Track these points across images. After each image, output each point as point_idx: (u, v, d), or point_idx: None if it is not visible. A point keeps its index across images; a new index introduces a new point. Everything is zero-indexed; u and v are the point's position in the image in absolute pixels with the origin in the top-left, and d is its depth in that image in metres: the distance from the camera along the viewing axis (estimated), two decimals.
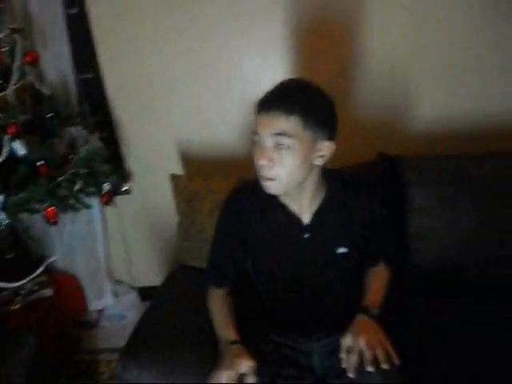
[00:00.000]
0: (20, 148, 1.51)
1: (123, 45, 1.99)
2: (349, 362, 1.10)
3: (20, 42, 1.57)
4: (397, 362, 1.10)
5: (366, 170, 1.68)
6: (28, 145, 1.54)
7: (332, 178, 1.28)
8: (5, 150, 1.45)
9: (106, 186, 1.74)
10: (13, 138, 1.47)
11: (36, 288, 1.88)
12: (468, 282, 1.59)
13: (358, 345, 1.10)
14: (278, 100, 1.12)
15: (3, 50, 1.55)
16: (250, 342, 1.21)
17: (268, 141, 1.13)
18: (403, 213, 1.64)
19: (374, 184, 1.34)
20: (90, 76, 2.06)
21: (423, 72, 1.91)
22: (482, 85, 1.90)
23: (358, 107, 1.98)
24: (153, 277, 2.25)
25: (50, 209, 1.54)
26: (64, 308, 2.04)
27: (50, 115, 1.72)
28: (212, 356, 1.17)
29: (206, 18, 1.91)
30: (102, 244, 2.25)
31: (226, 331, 1.24)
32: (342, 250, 1.27)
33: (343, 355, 1.12)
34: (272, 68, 1.96)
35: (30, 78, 1.69)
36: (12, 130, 1.45)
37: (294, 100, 1.12)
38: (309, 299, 1.32)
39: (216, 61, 1.98)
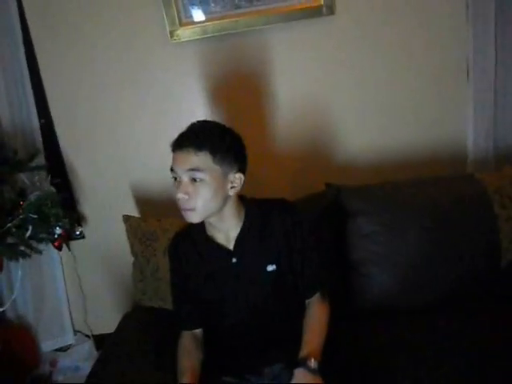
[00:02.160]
0: None
1: (71, 89, 2.02)
2: None
3: None
4: None
5: (314, 200, 1.74)
6: None
7: (249, 205, 1.37)
8: None
9: (58, 230, 1.71)
10: None
11: None
12: (417, 304, 1.63)
13: None
14: (189, 138, 1.23)
15: None
16: None
17: (183, 176, 1.22)
18: (345, 241, 1.70)
19: (286, 207, 1.39)
20: (41, 122, 2.06)
21: (346, 108, 2.05)
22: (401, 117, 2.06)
23: (289, 144, 2.08)
24: (109, 323, 2.15)
25: None
26: (15, 363, 1.93)
27: None
28: None
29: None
30: (62, 287, 2.21)
31: (183, 375, 1.26)
32: (270, 267, 1.33)
33: None
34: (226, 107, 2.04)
35: None
36: None
37: (203, 137, 1.22)
38: (254, 326, 1.34)
39: (164, 109, 2.05)
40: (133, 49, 1.97)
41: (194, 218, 1.25)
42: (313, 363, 1.21)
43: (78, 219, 2.10)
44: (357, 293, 1.68)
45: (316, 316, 1.36)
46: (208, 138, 1.22)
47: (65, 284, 2.27)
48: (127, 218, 1.82)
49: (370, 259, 1.68)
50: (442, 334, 1.48)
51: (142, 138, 2.10)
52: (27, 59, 1.94)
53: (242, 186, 1.29)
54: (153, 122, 2.07)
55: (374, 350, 1.45)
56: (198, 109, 2.03)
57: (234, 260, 1.33)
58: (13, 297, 1.91)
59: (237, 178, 1.27)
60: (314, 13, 1.92)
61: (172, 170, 1.25)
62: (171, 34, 1.93)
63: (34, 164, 1.92)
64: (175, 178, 1.25)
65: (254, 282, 1.33)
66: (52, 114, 2.06)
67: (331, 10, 1.90)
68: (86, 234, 2.21)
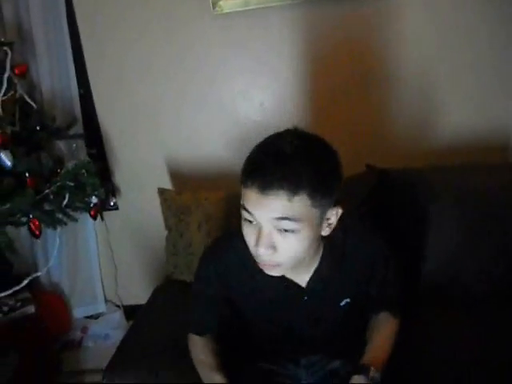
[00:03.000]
0: (6, 159, 1.47)
1: (112, 62, 1.99)
2: None
3: (9, 55, 1.55)
4: None
5: (355, 183, 1.67)
6: (15, 156, 1.51)
7: (329, 236, 1.04)
8: None
9: (94, 200, 1.70)
10: None
11: (18, 305, 1.81)
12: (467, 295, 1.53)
13: None
14: (277, 176, 0.87)
15: None
16: (238, 371, 1.13)
17: (266, 224, 0.91)
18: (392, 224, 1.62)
19: (375, 236, 1.15)
20: (81, 92, 2.04)
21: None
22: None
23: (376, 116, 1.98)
24: (140, 295, 2.16)
25: (33, 221, 1.49)
26: (47, 327, 1.96)
27: (37, 128, 1.69)
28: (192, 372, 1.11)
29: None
30: (96, 257, 2.22)
31: (212, 374, 1.11)
32: (344, 301, 1.14)
33: None
34: (263, 82, 1.98)
35: (20, 90, 1.67)
36: None
37: (298, 173, 0.87)
38: (305, 340, 1.21)
39: (204, 77, 1.99)
40: (175, 19, 1.91)
41: (276, 273, 0.98)
42: (374, 372, 1.04)
43: (112, 190, 2.10)
44: None
45: (381, 329, 1.17)
46: (306, 173, 0.88)
47: (98, 255, 2.28)
48: (162, 191, 1.80)
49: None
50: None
51: (179, 111, 2.05)
52: (69, 30, 1.91)
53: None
54: (191, 93, 2.02)
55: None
56: (236, 80, 1.98)
57: (305, 298, 1.10)
58: (49, 264, 1.93)
59: (333, 215, 0.97)
60: None
61: (243, 207, 0.93)
62: (213, 4, 1.87)
63: (71, 132, 1.93)
64: (249, 221, 0.94)
65: (323, 318, 1.14)
66: (91, 85, 2.05)
67: None
68: (120, 205, 2.21)
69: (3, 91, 1.52)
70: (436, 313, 1.44)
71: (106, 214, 2.20)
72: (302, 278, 1.09)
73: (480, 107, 1.93)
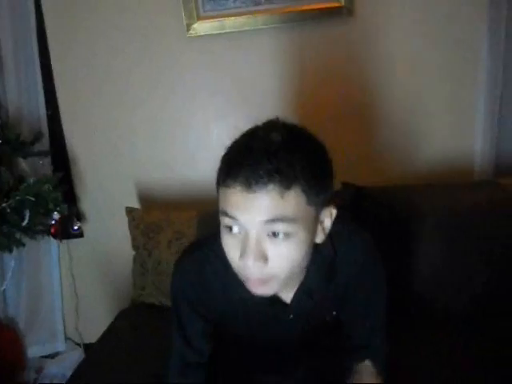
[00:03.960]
0: None
1: (82, 83, 1.92)
2: None
3: None
4: None
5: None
6: None
7: (317, 246, 0.90)
8: None
9: (55, 216, 1.58)
10: None
11: None
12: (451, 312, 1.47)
13: None
14: (266, 168, 0.72)
15: None
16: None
17: (255, 231, 0.75)
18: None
19: (369, 255, 0.98)
20: (48, 113, 1.96)
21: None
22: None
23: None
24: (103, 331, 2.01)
25: None
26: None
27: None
28: None
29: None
30: (58, 288, 2.06)
31: None
32: (328, 317, 1.01)
33: None
34: (238, 105, 1.94)
35: None
36: None
37: (291, 164, 0.74)
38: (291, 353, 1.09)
39: (178, 99, 1.95)
40: (148, 41, 1.89)
41: (268, 290, 0.81)
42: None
43: (77, 214, 1.97)
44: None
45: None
46: (299, 164, 0.74)
47: (60, 285, 2.12)
48: (130, 210, 1.71)
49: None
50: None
51: (145, 133, 1.98)
52: (39, 48, 1.86)
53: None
54: (158, 115, 1.96)
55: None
56: (211, 102, 1.94)
57: (290, 316, 0.95)
58: (1, 288, 1.75)
59: (328, 216, 0.84)
60: (334, 14, 1.87)
61: (226, 214, 0.77)
62: (188, 27, 1.87)
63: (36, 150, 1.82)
64: (229, 228, 0.78)
65: (308, 331, 1.01)
66: (60, 105, 1.97)
67: (350, 12, 1.85)
68: (85, 232, 2.08)
69: None
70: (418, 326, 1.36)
71: (70, 241, 2.05)
72: (286, 294, 0.93)
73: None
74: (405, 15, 1.84)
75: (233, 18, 1.86)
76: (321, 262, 0.91)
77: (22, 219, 1.58)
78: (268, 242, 0.76)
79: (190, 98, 1.94)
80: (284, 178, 0.73)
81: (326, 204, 0.82)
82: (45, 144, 1.87)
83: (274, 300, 0.93)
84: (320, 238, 0.84)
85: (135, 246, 1.64)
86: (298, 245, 0.77)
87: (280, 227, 0.74)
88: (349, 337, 1.03)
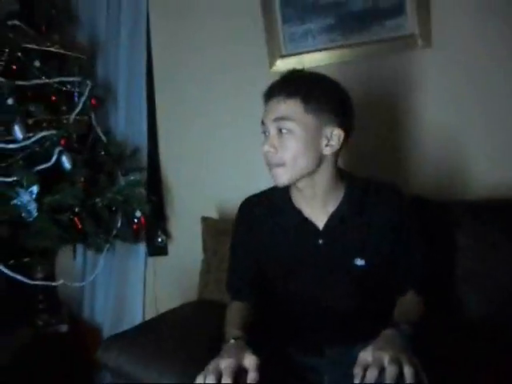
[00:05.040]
0: (66, 161, 1.61)
1: (178, 113, 2.18)
2: (364, 378, 0.84)
3: (89, 86, 1.80)
4: None
5: None
6: (75, 163, 1.65)
7: (351, 180, 1.15)
8: (53, 158, 1.55)
9: (138, 213, 1.75)
10: (62, 151, 1.59)
11: (53, 321, 1.79)
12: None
13: (380, 360, 0.85)
14: (279, 85, 1.09)
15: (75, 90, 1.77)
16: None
17: (271, 128, 1.08)
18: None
19: (398, 194, 1.15)
20: (150, 145, 2.22)
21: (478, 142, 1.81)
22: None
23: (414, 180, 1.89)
24: None
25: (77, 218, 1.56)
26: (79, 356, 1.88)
27: (102, 153, 1.85)
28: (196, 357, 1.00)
29: None
30: (141, 302, 2.17)
31: (232, 330, 1.07)
32: (359, 261, 1.11)
33: (358, 370, 0.86)
34: None
35: (94, 122, 1.88)
36: (63, 142, 1.58)
37: (295, 84, 1.08)
38: (324, 312, 1.13)
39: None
40: (236, 76, 2.10)
41: (282, 176, 1.07)
42: (407, 326, 0.98)
43: (163, 229, 2.14)
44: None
45: (409, 302, 1.13)
46: (300, 84, 1.08)
47: (143, 301, 2.25)
48: (205, 219, 1.81)
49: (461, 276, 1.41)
50: None
51: (236, 164, 2.13)
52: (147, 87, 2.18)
53: (341, 148, 1.10)
54: (249, 147, 2.10)
55: None
56: None
57: (320, 241, 1.12)
58: (90, 279, 1.92)
59: (334, 135, 1.07)
60: (409, 45, 1.91)
61: (262, 123, 1.11)
62: (270, 64, 2.06)
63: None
64: (264, 133, 1.11)
65: (338, 274, 1.12)
66: (158, 134, 2.23)
67: (427, 42, 1.88)
68: (170, 251, 2.23)
69: (77, 111, 1.73)
70: None
71: (155, 259, 2.21)
72: (321, 219, 1.13)
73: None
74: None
75: (311, 54, 2.03)
76: (352, 195, 1.13)
77: (113, 221, 1.76)
78: (277, 137, 1.07)
79: None
80: (286, 89, 1.07)
81: (331, 123, 1.07)
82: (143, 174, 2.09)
83: (308, 222, 1.14)
84: (326, 151, 1.09)
85: (204, 249, 1.73)
86: (297, 140, 1.06)
87: (283, 124, 1.06)
88: (392, 277, 1.15)
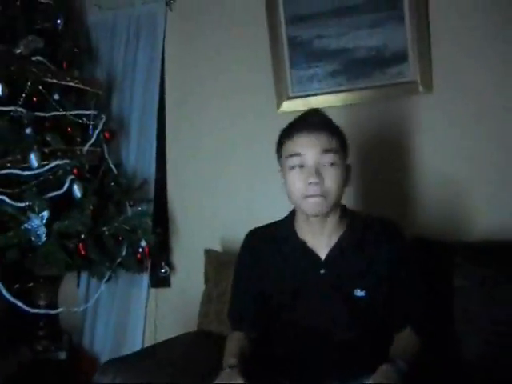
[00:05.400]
0: (77, 190, 1.67)
1: (189, 151, 2.26)
2: None
3: (103, 119, 1.89)
4: None
5: None
6: (85, 193, 1.70)
7: (353, 216, 1.22)
8: (65, 186, 1.61)
9: (143, 243, 1.78)
10: (73, 180, 1.65)
11: (52, 348, 1.80)
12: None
13: None
14: (320, 122, 1.16)
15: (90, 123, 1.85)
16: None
17: (312, 159, 1.10)
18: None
19: (396, 231, 1.20)
20: (158, 176, 2.30)
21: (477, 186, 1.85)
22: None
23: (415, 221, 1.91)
24: None
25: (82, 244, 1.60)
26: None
27: (112, 184, 1.91)
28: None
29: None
30: (141, 332, 2.17)
31: (229, 358, 1.10)
32: (359, 292, 1.13)
33: None
34: None
35: (107, 155, 1.96)
36: (75, 171, 1.64)
37: (332, 123, 1.18)
38: (324, 340, 1.14)
39: (268, 165, 2.14)
40: (245, 118, 2.19)
41: (322, 207, 1.10)
42: (402, 363, 1.00)
43: (167, 260, 2.16)
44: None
45: (406, 340, 1.14)
46: (334, 124, 1.18)
47: (143, 332, 2.24)
48: (208, 251, 1.84)
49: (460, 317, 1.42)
50: None
51: (241, 199, 2.18)
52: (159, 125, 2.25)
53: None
54: (254, 183, 2.17)
55: None
56: None
57: (322, 271, 1.15)
58: (88, 304, 1.94)
59: (349, 171, 1.19)
60: (410, 91, 1.99)
61: (293, 155, 1.12)
62: (278, 105, 2.15)
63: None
64: (297, 167, 1.12)
65: (339, 303, 1.14)
66: (168, 170, 2.31)
67: (428, 88, 1.96)
68: (173, 283, 2.24)
69: (90, 143, 1.80)
70: None
71: (157, 290, 2.23)
72: (323, 250, 1.17)
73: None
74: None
75: (317, 96, 2.11)
76: (353, 228, 1.18)
77: (118, 250, 1.80)
78: (322, 169, 1.10)
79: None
80: (329, 129, 1.14)
81: (346, 160, 1.18)
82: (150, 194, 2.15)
83: (311, 253, 1.17)
84: (347, 184, 1.17)
85: (206, 280, 1.75)
86: (340, 173, 1.13)
87: (330, 157, 1.11)
88: (390, 313, 1.16)
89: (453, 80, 1.90)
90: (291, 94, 2.14)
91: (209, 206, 2.21)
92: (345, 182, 1.15)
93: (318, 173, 1.09)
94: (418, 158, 1.94)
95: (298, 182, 1.11)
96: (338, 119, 1.79)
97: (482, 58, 1.84)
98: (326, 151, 1.10)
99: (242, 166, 2.17)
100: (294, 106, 2.13)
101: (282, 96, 2.14)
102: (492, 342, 1.34)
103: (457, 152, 1.88)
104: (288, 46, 2.11)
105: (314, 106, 1.97)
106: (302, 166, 1.12)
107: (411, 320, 1.17)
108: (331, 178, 1.10)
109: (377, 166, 1.99)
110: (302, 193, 1.11)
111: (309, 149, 1.11)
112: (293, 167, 1.13)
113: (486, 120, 1.84)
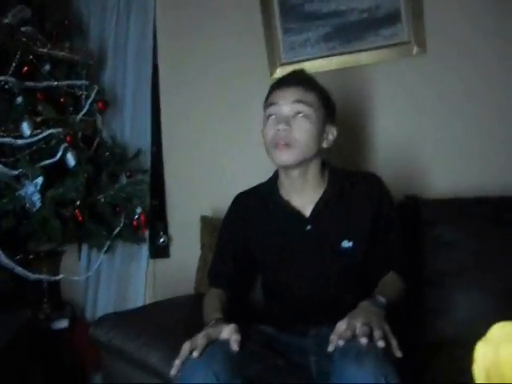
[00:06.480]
0: (71, 158, 1.67)
1: (181, 123, 2.26)
2: (337, 338, 0.90)
3: (96, 89, 1.88)
4: (398, 353, 0.88)
5: None
6: (79, 161, 1.70)
7: (335, 171, 1.25)
8: (58, 154, 1.62)
9: (138, 209, 1.79)
10: (67, 148, 1.65)
11: (54, 316, 1.82)
12: None
13: (354, 326, 0.90)
14: (298, 78, 1.20)
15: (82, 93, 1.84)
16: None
17: (287, 108, 1.14)
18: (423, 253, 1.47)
19: (376, 182, 1.23)
20: (153, 149, 2.29)
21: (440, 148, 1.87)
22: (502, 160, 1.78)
23: None
24: None
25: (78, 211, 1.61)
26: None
27: (107, 154, 1.91)
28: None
29: None
30: (142, 300, 2.18)
31: (212, 313, 1.12)
32: (346, 243, 1.16)
33: (333, 337, 0.91)
34: None
35: (101, 126, 1.95)
36: (68, 139, 1.64)
37: (311, 80, 1.22)
38: (311, 296, 1.17)
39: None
40: (238, 85, 2.18)
41: (290, 156, 1.12)
42: (382, 298, 1.03)
43: (165, 229, 2.17)
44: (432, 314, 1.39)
45: (390, 280, 1.17)
46: (315, 82, 1.21)
47: (144, 301, 2.26)
48: (204, 218, 1.85)
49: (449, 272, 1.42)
50: None
51: (238, 171, 2.19)
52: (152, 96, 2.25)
53: (331, 146, 1.22)
54: (248, 151, 2.15)
55: None
56: None
57: (308, 227, 1.18)
58: (89, 273, 1.95)
59: (331, 133, 1.21)
60: (404, 53, 1.96)
61: (270, 104, 1.17)
62: (271, 71, 2.13)
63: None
64: (269, 116, 1.17)
65: (326, 257, 1.16)
66: (163, 143, 2.29)
67: (422, 49, 1.93)
68: (172, 254, 2.26)
69: (83, 112, 1.80)
70: None
71: (156, 261, 2.24)
72: (307, 208, 1.19)
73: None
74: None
75: (311, 61, 2.08)
76: (335, 183, 1.21)
77: (116, 220, 1.80)
78: (292, 119, 1.13)
79: None
80: (307, 84, 1.18)
81: (331, 122, 1.21)
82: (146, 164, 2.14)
83: (295, 211, 1.19)
84: (325, 144, 1.20)
85: (202, 246, 1.76)
86: (311, 126, 1.14)
87: (302, 107, 1.13)
88: (374, 259, 1.19)
89: (448, 40, 1.88)
90: (284, 60, 2.12)
91: (203, 175, 2.20)
92: (319, 137, 1.16)
93: (287, 121, 1.12)
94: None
95: (270, 131, 1.15)
96: (332, 83, 1.80)
97: (475, 19, 1.81)
98: (298, 101, 1.13)
99: (235, 133, 2.16)
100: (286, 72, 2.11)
101: (274, 62, 2.12)
102: None
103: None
104: (279, 11, 2.08)
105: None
106: (276, 116, 1.15)
107: (394, 264, 1.20)
108: (300, 129, 1.12)
109: (369, 130, 1.98)
110: (271, 141, 1.14)
111: (283, 99, 1.14)
112: (268, 116, 1.17)
113: (482, 81, 1.82)
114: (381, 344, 0.86)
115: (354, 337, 0.87)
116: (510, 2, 1.76)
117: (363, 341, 0.86)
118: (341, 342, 0.88)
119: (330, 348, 0.88)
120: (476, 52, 1.83)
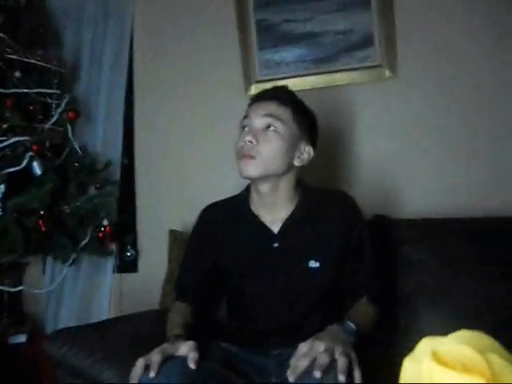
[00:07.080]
0: (37, 167, 1.63)
1: (158, 135, 2.24)
2: (295, 367, 0.86)
3: (67, 98, 1.84)
4: (358, 380, 0.85)
5: None
6: (45, 170, 1.66)
7: (307, 188, 1.22)
8: (24, 162, 1.57)
9: (105, 222, 1.75)
10: (33, 157, 1.61)
11: (12, 331, 1.75)
12: None
13: (315, 350, 0.86)
14: (272, 93, 1.20)
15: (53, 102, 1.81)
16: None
17: (258, 122, 1.14)
18: (393, 272, 1.47)
19: (349, 202, 1.21)
20: (124, 161, 2.26)
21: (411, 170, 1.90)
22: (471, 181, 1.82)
23: None
24: None
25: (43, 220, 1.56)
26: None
27: (76, 164, 1.86)
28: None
29: None
30: (105, 315, 2.10)
31: (173, 329, 1.09)
32: (313, 263, 1.13)
33: (293, 361, 0.87)
34: None
35: (70, 135, 1.91)
36: (35, 148, 1.60)
37: (287, 96, 1.20)
38: (275, 314, 1.14)
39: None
40: (213, 100, 2.18)
41: (252, 168, 1.11)
42: (352, 324, 0.99)
43: (133, 242, 2.12)
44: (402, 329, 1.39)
45: (362, 307, 1.14)
46: (291, 97, 1.20)
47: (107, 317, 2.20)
48: (173, 232, 1.82)
49: (420, 291, 1.42)
50: None
51: (208, 186, 2.16)
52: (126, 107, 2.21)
53: (306, 165, 1.20)
54: (220, 164, 2.12)
55: None
56: None
57: (275, 244, 1.15)
58: (52, 287, 1.89)
59: (306, 151, 1.18)
60: (376, 75, 2.00)
61: (244, 117, 1.18)
62: (246, 88, 2.14)
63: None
64: (243, 128, 1.17)
65: (292, 276, 1.14)
66: (135, 155, 2.27)
67: (393, 72, 1.97)
68: (140, 268, 2.21)
69: (52, 121, 1.76)
70: None
71: (124, 275, 2.19)
72: (276, 224, 1.17)
73: None
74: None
75: (285, 80, 2.10)
76: (306, 201, 1.18)
77: (83, 232, 1.76)
78: (262, 132, 1.12)
79: None
80: (282, 100, 1.16)
81: (307, 140, 1.19)
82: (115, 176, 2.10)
83: (264, 227, 1.18)
84: (297, 162, 1.17)
85: (169, 260, 1.72)
86: (280, 141, 1.12)
87: (272, 121, 1.12)
88: (345, 283, 1.18)
89: (418, 64, 1.93)
90: (259, 78, 2.13)
91: (174, 188, 2.18)
92: (289, 154, 1.14)
93: (255, 134, 1.11)
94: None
95: (239, 142, 1.15)
96: (306, 102, 1.82)
97: (446, 40, 1.87)
98: (269, 115, 1.12)
99: (209, 149, 2.16)
100: (262, 89, 2.13)
101: (250, 79, 2.13)
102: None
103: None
104: (256, 30, 2.10)
105: None
106: (248, 128, 1.15)
107: (367, 289, 1.17)
108: (267, 143, 1.11)
109: (341, 150, 2.00)
110: (238, 152, 1.14)
111: (255, 112, 1.15)
112: (242, 128, 1.17)
113: (452, 104, 1.87)
114: (341, 379, 0.81)
115: (314, 361, 0.83)
116: (478, 32, 1.83)
117: (317, 375, 0.82)
118: (290, 379, 0.85)
119: (291, 379, 0.85)
120: (445, 76, 1.88)
